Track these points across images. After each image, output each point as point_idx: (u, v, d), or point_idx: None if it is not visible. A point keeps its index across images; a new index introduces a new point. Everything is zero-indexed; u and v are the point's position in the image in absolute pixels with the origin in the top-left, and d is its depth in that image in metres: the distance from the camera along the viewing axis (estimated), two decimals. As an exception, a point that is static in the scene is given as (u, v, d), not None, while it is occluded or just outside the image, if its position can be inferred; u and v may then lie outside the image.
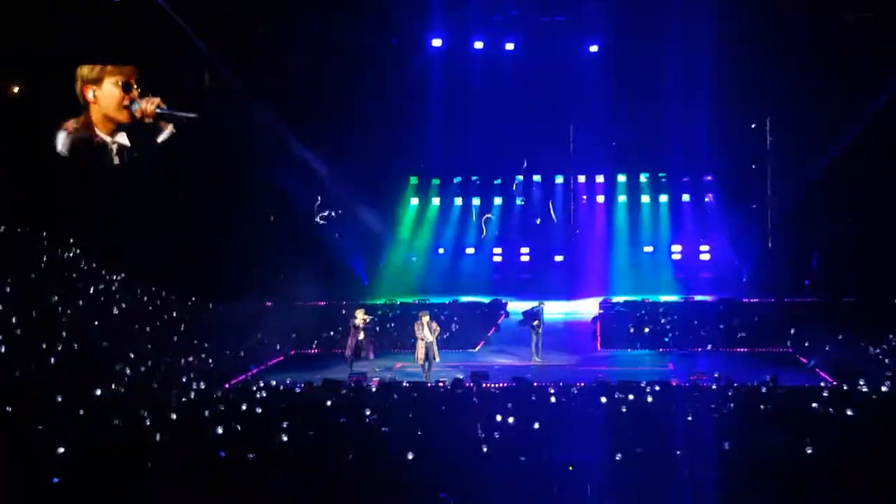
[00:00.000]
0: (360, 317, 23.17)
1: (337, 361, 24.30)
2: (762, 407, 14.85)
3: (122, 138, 30.38)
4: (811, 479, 10.77)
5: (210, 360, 22.28)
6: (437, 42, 31.65)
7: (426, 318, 21.95)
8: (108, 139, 30.34)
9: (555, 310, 28.40)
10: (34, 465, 11.47)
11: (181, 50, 29.85)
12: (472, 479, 10.62)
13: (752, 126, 32.83)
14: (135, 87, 30.09)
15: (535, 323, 24.04)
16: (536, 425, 13.16)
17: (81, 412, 14.46)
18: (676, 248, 34.68)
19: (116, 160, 30.42)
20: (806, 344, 24.20)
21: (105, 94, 30.17)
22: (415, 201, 35.59)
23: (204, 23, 29.71)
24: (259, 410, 14.92)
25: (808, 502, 10.44)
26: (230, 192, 30.56)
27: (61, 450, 11.70)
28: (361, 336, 23.01)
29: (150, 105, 30.06)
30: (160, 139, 30.29)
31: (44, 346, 20.21)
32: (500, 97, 32.09)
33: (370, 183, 33.12)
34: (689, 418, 13.77)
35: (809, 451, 11.50)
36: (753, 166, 33.16)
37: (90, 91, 30.07)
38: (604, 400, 15.31)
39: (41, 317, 22.21)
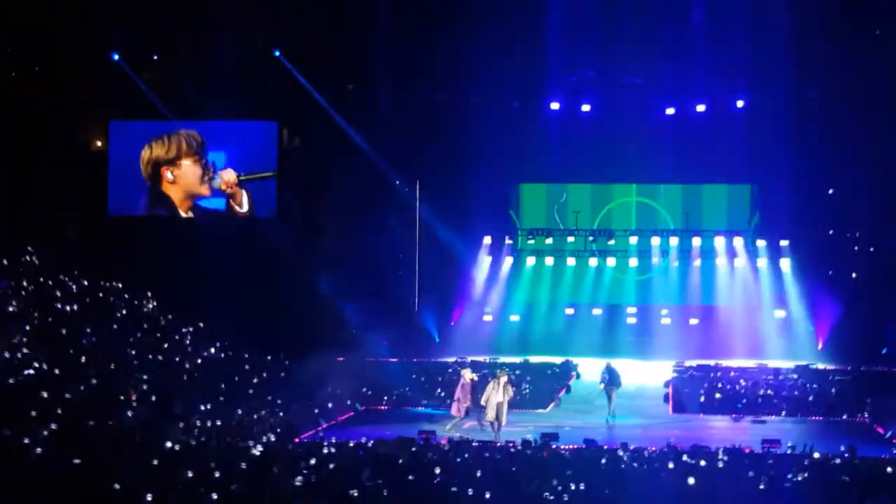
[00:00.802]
0: (469, 376, 23.06)
1: (407, 418, 24.37)
2: (840, 478, 14.53)
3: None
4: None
5: (281, 414, 22.45)
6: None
7: (504, 379, 22.06)
8: (187, 216, 31.05)
9: (625, 370, 28.22)
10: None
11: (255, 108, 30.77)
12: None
13: (830, 192, 32.54)
14: (211, 162, 30.84)
15: (613, 387, 24.16)
16: (605, 486, 13.05)
17: (155, 463, 14.66)
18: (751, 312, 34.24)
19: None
20: (883, 414, 23.68)
21: (185, 174, 30.92)
22: (487, 259, 35.57)
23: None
24: (329, 465, 14.98)
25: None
26: (306, 248, 31.09)
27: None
28: (469, 395, 22.86)
29: (230, 175, 30.78)
30: (244, 209, 30.86)
31: (121, 397, 20.58)
32: (575, 155, 32.64)
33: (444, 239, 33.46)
34: (762, 486, 13.54)
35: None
36: (831, 232, 32.78)
37: (168, 172, 30.82)
38: (672, 465, 15.12)
39: (118, 367, 22.63)
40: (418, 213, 33.27)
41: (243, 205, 30.93)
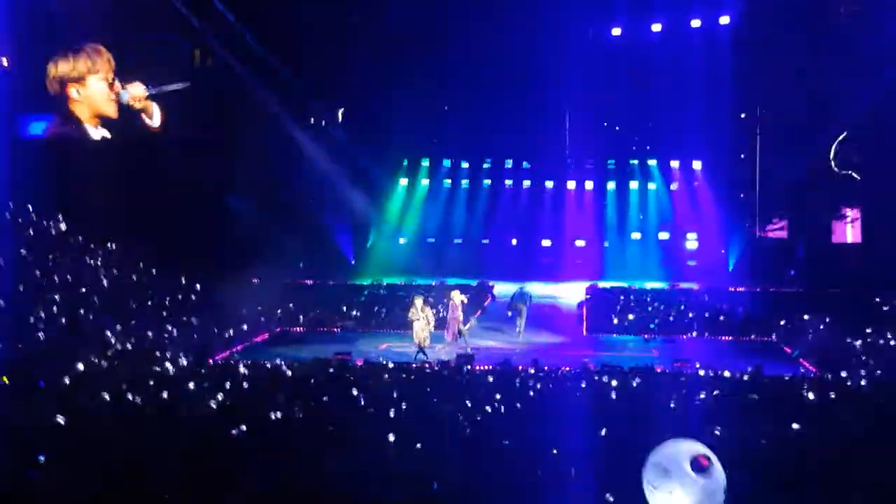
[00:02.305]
0: (458, 298, 23.14)
1: (321, 339, 24.32)
2: (746, 395, 14.87)
3: (105, 132, 30.24)
4: (793, 468, 10.80)
5: (195, 336, 22.24)
6: None
7: (419, 302, 22.14)
8: (95, 134, 30.21)
9: (540, 293, 28.51)
10: (18, 440, 11.43)
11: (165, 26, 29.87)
12: (455, 461, 10.62)
13: (742, 115, 32.95)
14: (117, 79, 29.93)
15: (522, 305, 24.36)
16: (519, 405, 13.18)
17: (66, 385, 14.44)
18: (663, 235, 34.82)
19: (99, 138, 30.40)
20: (790, 334, 24.27)
21: (92, 91, 29.98)
22: (404, 182, 35.53)
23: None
24: (244, 387, 14.88)
25: (789, 491, 10.47)
26: (220, 168, 30.57)
27: (50, 422, 11.66)
28: (459, 316, 23.03)
29: (138, 90, 29.89)
30: (156, 123, 30.09)
31: (31, 319, 20.20)
32: (495, 81, 32.33)
33: (361, 163, 33.22)
34: (673, 405, 13.79)
35: (791, 441, 11.52)
36: (742, 156, 33.24)
37: (73, 89, 29.85)
38: (584, 385, 15.33)
39: (28, 289, 22.16)
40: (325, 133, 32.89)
41: (155, 118, 30.19)
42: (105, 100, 30.01)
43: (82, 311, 21.59)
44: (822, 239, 31.32)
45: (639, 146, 34.71)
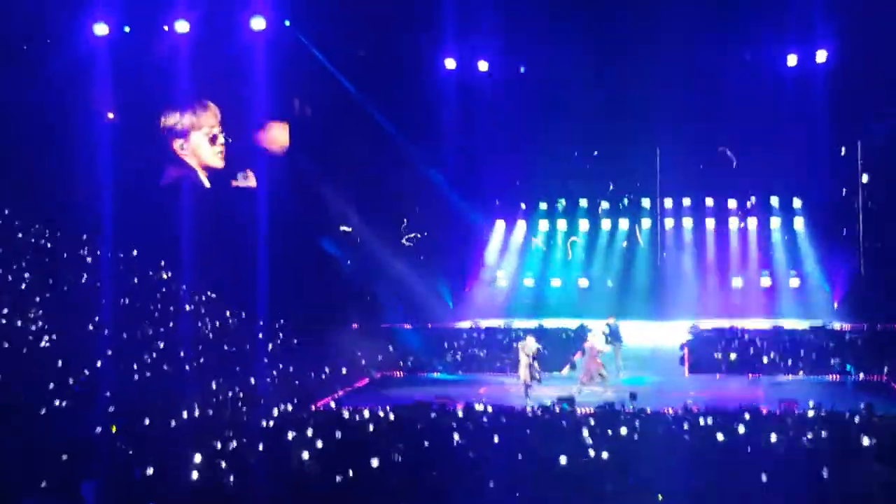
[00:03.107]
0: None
1: (421, 383, 24.36)
2: (856, 436, 14.46)
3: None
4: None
5: (296, 382, 22.46)
6: None
7: (531, 342, 22.39)
8: (205, 181, 31.25)
9: (639, 332, 28.29)
10: (126, 486, 11.69)
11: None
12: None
13: (843, 151, 32.31)
14: (221, 134, 30.87)
15: (616, 342, 24.40)
16: (623, 452, 13.03)
17: (172, 432, 14.74)
18: (764, 272, 34.17)
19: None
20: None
21: (197, 146, 31.04)
22: (501, 224, 35.56)
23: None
24: (346, 432, 14.99)
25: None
26: (318, 213, 31.06)
27: (150, 471, 11.91)
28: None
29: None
30: (252, 184, 30.96)
31: (134, 366, 20.68)
32: (584, 120, 32.18)
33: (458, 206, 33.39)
34: (780, 446, 13.50)
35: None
36: (844, 191, 32.57)
37: (178, 143, 30.96)
38: (688, 427, 15.09)
39: (133, 338, 22.71)
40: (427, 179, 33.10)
41: (250, 179, 31.10)
42: (209, 153, 31.00)
43: (185, 359, 22.02)
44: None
45: (736, 183, 34.17)
